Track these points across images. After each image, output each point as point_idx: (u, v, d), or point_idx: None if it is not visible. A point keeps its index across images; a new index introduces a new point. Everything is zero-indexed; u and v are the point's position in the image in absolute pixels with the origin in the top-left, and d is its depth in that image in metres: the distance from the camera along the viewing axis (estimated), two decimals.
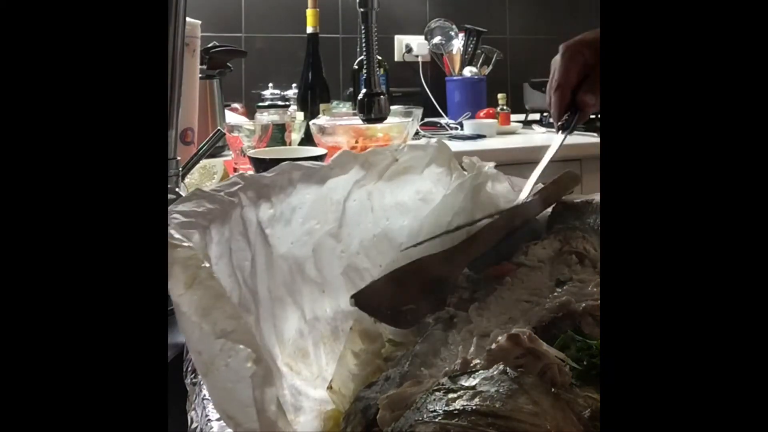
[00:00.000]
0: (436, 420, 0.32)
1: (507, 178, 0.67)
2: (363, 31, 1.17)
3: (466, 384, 0.34)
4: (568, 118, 0.73)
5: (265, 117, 1.48)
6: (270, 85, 1.94)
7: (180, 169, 0.74)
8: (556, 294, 0.49)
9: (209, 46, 1.57)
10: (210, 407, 0.37)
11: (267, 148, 1.11)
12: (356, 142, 1.15)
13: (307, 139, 1.40)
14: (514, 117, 2.08)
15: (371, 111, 1.16)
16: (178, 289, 0.32)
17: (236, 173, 0.53)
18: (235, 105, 1.89)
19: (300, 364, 0.48)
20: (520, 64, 2.42)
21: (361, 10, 1.16)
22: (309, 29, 1.65)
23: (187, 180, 0.96)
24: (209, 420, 0.36)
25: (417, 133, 1.78)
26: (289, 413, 0.40)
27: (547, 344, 0.37)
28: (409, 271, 0.53)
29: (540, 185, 0.64)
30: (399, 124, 1.19)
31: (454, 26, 2.21)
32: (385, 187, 0.61)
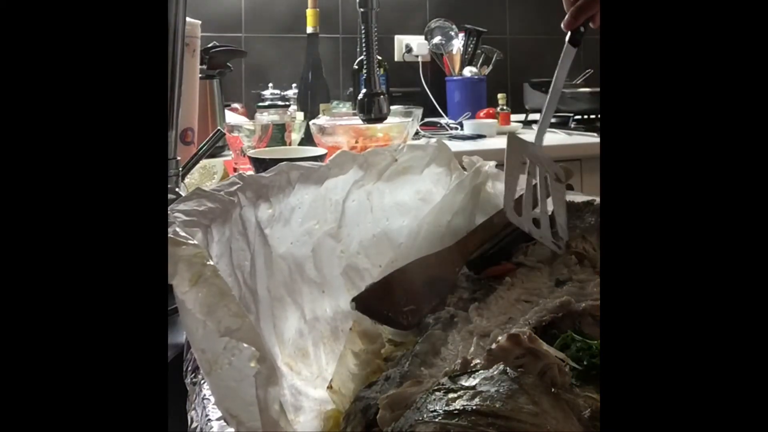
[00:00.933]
0: (436, 420, 0.32)
1: None
2: (363, 31, 1.17)
3: (466, 384, 0.34)
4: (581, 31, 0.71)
5: (265, 117, 1.48)
6: (270, 85, 1.94)
7: (180, 169, 0.74)
8: (556, 294, 0.49)
9: (209, 46, 1.57)
10: (210, 407, 0.37)
11: (267, 148, 1.11)
12: (356, 142, 1.15)
13: (307, 139, 1.40)
14: (514, 117, 2.07)
15: (371, 111, 1.16)
16: (182, 286, 0.32)
17: (236, 173, 0.53)
18: (235, 105, 1.89)
19: (300, 364, 0.48)
20: (520, 64, 2.42)
21: (361, 10, 1.16)
22: (309, 29, 1.64)
23: (187, 180, 0.96)
24: (209, 420, 0.36)
25: (417, 133, 1.78)
26: (289, 413, 0.40)
27: (547, 344, 0.37)
28: (407, 271, 0.53)
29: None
30: (399, 124, 1.19)
31: (454, 26, 2.21)
32: (384, 187, 0.61)
